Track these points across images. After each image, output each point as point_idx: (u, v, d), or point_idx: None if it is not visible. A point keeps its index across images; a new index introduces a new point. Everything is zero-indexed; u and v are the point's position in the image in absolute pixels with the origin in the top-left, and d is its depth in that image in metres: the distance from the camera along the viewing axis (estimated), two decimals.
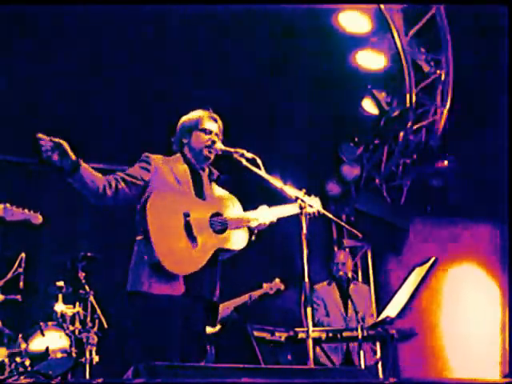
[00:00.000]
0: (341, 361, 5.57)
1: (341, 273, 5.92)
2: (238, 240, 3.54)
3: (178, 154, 3.63)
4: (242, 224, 3.56)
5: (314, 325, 5.70)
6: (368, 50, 6.06)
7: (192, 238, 3.34)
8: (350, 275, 6.04)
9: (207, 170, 3.66)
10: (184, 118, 3.67)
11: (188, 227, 3.35)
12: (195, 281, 3.32)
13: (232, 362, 3.26)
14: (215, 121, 3.64)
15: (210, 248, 3.41)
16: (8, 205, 4.37)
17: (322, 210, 3.67)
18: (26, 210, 4.44)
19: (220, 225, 3.47)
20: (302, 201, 3.41)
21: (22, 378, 4.62)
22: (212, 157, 3.60)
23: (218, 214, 3.49)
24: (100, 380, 2.37)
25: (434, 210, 7.24)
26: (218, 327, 5.43)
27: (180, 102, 3.74)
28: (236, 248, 3.52)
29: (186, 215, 3.35)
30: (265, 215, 3.65)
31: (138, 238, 3.31)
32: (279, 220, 3.77)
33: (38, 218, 4.52)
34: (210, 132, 3.59)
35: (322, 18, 5.67)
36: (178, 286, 3.27)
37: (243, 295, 5.68)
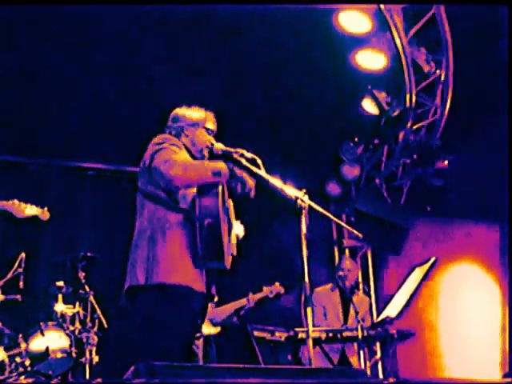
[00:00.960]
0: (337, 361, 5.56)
1: (347, 282, 5.87)
2: (234, 245, 3.58)
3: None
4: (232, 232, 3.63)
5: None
6: (368, 50, 6.05)
7: (229, 232, 3.37)
8: (353, 284, 6.02)
9: None
10: (188, 111, 3.62)
11: (229, 222, 3.38)
12: (210, 278, 3.31)
13: (233, 362, 3.26)
14: (215, 124, 3.66)
15: (233, 245, 3.46)
16: (16, 201, 4.37)
17: (241, 235, 3.71)
18: (34, 207, 4.45)
19: (231, 226, 3.53)
20: (302, 201, 3.42)
21: (21, 378, 4.63)
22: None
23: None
24: (99, 380, 2.37)
25: (434, 210, 7.24)
26: (218, 329, 5.44)
27: (180, 103, 3.73)
28: (235, 252, 3.55)
29: (227, 210, 3.38)
30: (240, 230, 3.71)
31: (208, 221, 3.14)
32: (279, 220, 3.79)
33: (46, 214, 4.52)
34: (211, 133, 3.61)
35: (322, 18, 5.67)
36: (203, 283, 3.26)
37: (243, 298, 5.67)
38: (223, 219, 3.25)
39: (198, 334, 3.39)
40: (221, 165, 3.27)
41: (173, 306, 3.14)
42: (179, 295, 3.14)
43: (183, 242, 3.20)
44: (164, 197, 3.28)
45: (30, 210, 4.41)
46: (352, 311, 5.60)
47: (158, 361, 2.39)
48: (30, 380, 4.50)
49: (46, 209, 4.58)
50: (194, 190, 3.28)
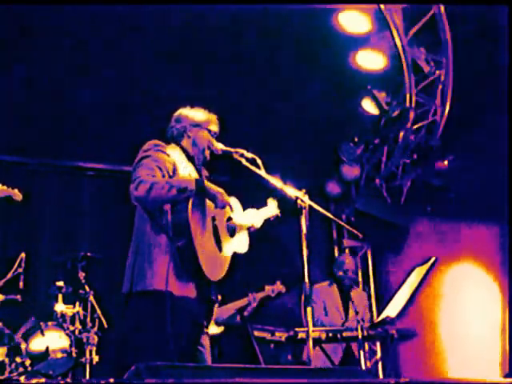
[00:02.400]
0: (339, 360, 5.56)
1: (347, 280, 5.88)
2: (243, 243, 3.58)
3: (175, 146, 3.52)
4: (244, 228, 3.62)
5: (314, 323, 5.70)
6: (368, 50, 6.05)
7: (218, 242, 3.36)
8: (352, 280, 6.04)
9: None
10: (191, 112, 3.60)
11: (216, 231, 3.36)
12: (204, 284, 3.29)
13: (235, 362, 3.26)
14: (217, 126, 3.65)
15: (230, 252, 3.44)
16: None
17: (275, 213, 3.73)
18: (5, 187, 4.49)
19: (233, 229, 3.52)
20: (302, 201, 3.42)
21: (21, 378, 4.62)
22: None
23: (229, 218, 3.53)
24: (112, 380, 2.36)
25: (434, 210, 7.24)
26: (221, 329, 5.43)
27: (180, 103, 3.74)
28: (243, 251, 3.55)
29: (214, 219, 3.36)
30: (257, 219, 3.70)
31: (180, 243, 3.15)
32: (279, 220, 3.79)
33: (18, 195, 4.60)
34: (213, 135, 3.60)
35: (322, 18, 5.67)
36: (192, 289, 3.24)
37: (245, 297, 5.67)
38: (201, 233, 3.21)
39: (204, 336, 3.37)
40: (187, 181, 3.20)
41: (153, 311, 3.13)
42: (159, 302, 3.12)
43: (167, 250, 3.19)
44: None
45: (3, 191, 4.45)
46: (352, 308, 5.61)
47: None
48: (42, 380, 4.51)
49: (16, 190, 4.65)
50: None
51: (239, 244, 3.55)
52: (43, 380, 4.43)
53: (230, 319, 5.53)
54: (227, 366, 2.60)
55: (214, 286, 3.36)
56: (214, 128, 3.59)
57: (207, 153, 3.56)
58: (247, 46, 5.97)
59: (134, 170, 3.26)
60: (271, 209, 3.79)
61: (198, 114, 3.59)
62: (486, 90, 6.16)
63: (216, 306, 3.44)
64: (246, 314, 5.54)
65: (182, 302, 3.18)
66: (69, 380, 4.72)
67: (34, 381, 4.39)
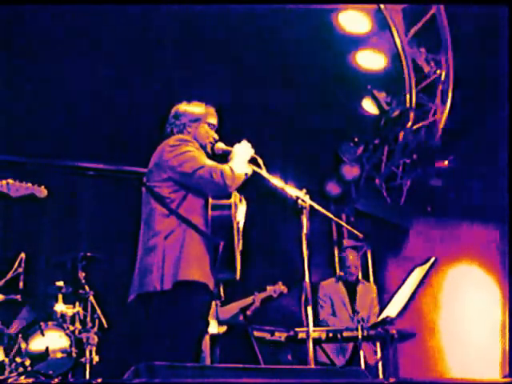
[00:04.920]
0: (344, 361, 5.55)
1: (353, 277, 5.91)
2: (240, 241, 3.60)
3: None
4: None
5: (318, 323, 5.70)
6: (368, 50, 6.06)
7: (238, 239, 3.39)
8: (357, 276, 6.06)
9: None
10: (189, 107, 3.58)
11: (238, 230, 3.41)
12: (216, 282, 3.33)
13: (236, 362, 3.26)
14: (216, 118, 3.64)
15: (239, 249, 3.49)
16: (11, 180, 4.25)
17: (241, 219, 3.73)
18: (30, 184, 4.33)
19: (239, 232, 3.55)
20: (303, 201, 3.42)
21: (21, 378, 4.62)
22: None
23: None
24: (100, 380, 2.36)
25: (433, 210, 7.24)
26: (224, 328, 5.43)
27: (181, 102, 3.73)
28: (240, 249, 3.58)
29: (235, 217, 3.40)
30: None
31: (221, 242, 3.18)
32: (279, 220, 3.80)
33: (43, 192, 4.39)
34: (213, 128, 3.59)
35: (322, 18, 5.67)
36: (213, 286, 3.29)
37: (247, 297, 5.66)
38: (236, 230, 3.28)
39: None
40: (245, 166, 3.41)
41: (190, 302, 3.14)
42: (196, 292, 3.15)
43: (199, 241, 3.21)
44: (177, 203, 3.27)
45: (26, 188, 4.30)
46: (358, 301, 5.64)
47: (174, 359, 2.42)
48: (30, 380, 4.48)
49: (43, 186, 4.42)
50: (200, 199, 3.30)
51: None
52: (31, 380, 4.39)
53: (232, 319, 5.52)
54: (227, 366, 2.60)
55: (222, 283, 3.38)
56: (213, 120, 3.58)
57: (209, 147, 3.54)
58: (248, 45, 5.97)
59: (185, 162, 3.27)
60: (243, 205, 3.77)
61: (196, 109, 3.57)
62: (486, 89, 6.16)
63: (214, 303, 3.47)
64: (249, 313, 5.54)
65: (210, 295, 3.25)
66: (57, 380, 4.68)
67: (24, 381, 4.37)
